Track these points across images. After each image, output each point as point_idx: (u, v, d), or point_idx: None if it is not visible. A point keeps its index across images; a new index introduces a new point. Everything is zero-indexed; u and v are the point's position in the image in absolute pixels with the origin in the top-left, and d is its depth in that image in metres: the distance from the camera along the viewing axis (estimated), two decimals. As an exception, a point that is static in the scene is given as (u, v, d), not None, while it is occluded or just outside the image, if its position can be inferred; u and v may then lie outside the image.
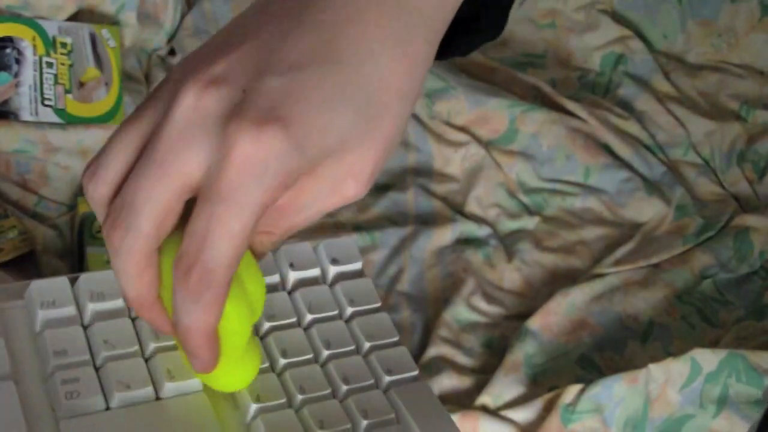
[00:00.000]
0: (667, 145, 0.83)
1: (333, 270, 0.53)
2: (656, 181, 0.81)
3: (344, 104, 0.39)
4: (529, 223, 0.78)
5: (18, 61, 0.75)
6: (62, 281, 0.50)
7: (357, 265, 0.54)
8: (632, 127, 0.84)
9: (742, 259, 0.74)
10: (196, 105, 0.38)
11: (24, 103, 0.74)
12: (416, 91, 0.41)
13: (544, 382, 0.66)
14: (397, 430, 0.48)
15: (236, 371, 0.44)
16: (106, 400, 0.46)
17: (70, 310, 0.49)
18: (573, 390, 0.62)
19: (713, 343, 0.69)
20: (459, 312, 0.70)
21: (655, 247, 0.75)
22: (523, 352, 0.67)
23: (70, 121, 0.75)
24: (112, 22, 0.82)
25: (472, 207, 0.78)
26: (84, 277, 0.50)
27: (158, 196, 0.38)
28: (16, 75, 0.75)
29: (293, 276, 0.52)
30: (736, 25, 0.89)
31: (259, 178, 0.37)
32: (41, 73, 0.76)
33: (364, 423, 0.47)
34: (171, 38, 0.85)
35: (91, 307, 0.49)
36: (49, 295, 0.49)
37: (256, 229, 0.39)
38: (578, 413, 0.61)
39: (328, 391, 0.48)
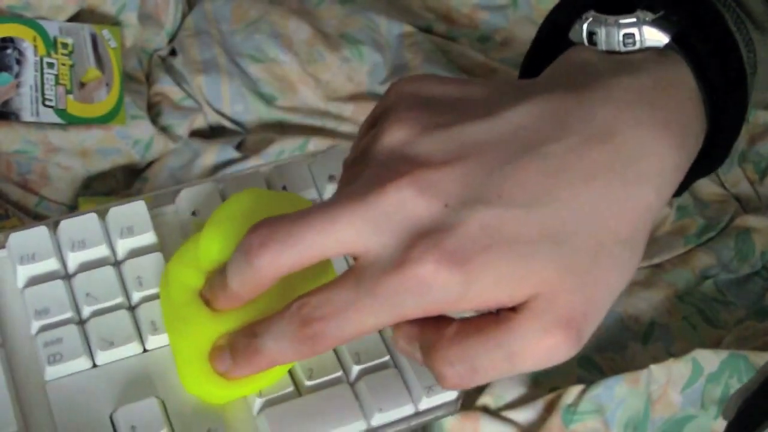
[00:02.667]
0: (668, 146, 0.83)
1: None
2: (657, 181, 0.81)
3: (541, 248, 0.37)
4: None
5: (19, 62, 0.75)
6: (41, 231, 0.47)
7: None
8: (633, 127, 0.84)
9: (744, 260, 0.74)
10: (399, 207, 0.37)
11: (25, 103, 0.74)
12: (640, 238, 0.39)
13: (545, 382, 0.66)
14: (391, 374, 0.46)
15: (234, 389, 0.44)
16: (93, 358, 0.45)
17: (51, 263, 0.47)
18: (574, 391, 0.62)
19: (715, 344, 0.68)
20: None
21: (657, 247, 0.75)
22: (524, 352, 0.66)
23: (71, 121, 0.75)
24: (113, 22, 0.82)
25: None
26: (65, 224, 0.48)
27: (308, 250, 0.38)
28: (17, 75, 0.75)
29: None
30: (738, 26, 0.89)
31: (417, 297, 0.37)
32: (42, 74, 0.75)
33: (356, 369, 0.45)
34: (172, 39, 0.85)
35: (73, 257, 0.47)
36: (29, 248, 0.47)
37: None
38: (579, 414, 0.61)
39: None
